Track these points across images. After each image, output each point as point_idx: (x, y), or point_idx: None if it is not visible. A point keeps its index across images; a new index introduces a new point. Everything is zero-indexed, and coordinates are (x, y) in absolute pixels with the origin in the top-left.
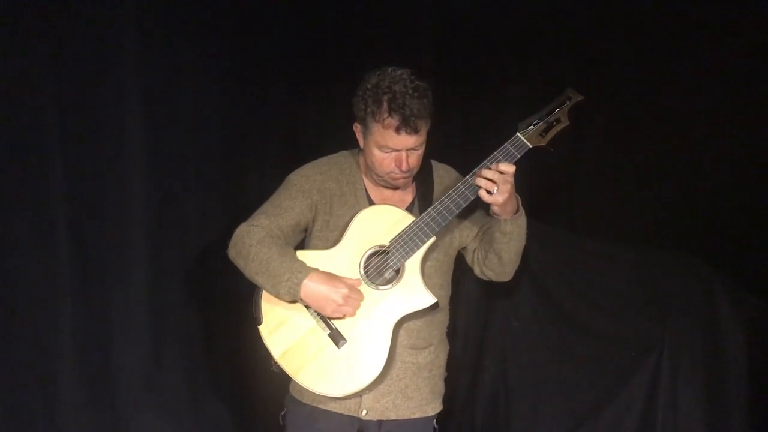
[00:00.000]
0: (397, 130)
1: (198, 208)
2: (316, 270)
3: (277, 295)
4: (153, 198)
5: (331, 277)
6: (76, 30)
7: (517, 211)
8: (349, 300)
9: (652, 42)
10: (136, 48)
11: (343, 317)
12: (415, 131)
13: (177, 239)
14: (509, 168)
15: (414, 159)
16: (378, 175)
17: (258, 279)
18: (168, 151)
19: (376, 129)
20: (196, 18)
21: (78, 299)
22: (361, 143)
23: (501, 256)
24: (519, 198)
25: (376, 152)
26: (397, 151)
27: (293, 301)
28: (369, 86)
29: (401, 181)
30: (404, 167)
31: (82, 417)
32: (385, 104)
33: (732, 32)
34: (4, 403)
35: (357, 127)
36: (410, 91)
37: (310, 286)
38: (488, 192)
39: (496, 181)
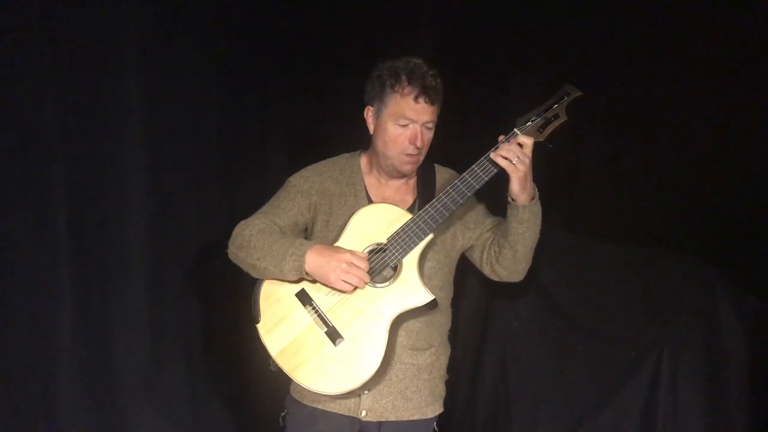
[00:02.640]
0: (416, 98)
1: (198, 208)
2: (318, 243)
3: (282, 273)
4: (153, 198)
5: (334, 247)
6: (76, 30)
7: (533, 198)
8: (352, 267)
9: (653, 39)
10: (136, 48)
11: (348, 291)
12: (432, 103)
13: (177, 239)
14: (528, 140)
15: (427, 137)
16: (389, 158)
17: (260, 264)
18: (168, 151)
19: (394, 100)
20: (196, 17)
21: (78, 299)
22: (372, 128)
23: (516, 250)
24: (535, 186)
25: (391, 128)
26: (414, 123)
27: (298, 281)
28: (386, 66)
29: (412, 162)
30: (419, 142)
31: (82, 417)
32: (404, 76)
33: (734, 30)
34: (4, 403)
35: (368, 111)
36: (426, 68)
37: (314, 257)
38: (509, 163)
39: (516, 155)
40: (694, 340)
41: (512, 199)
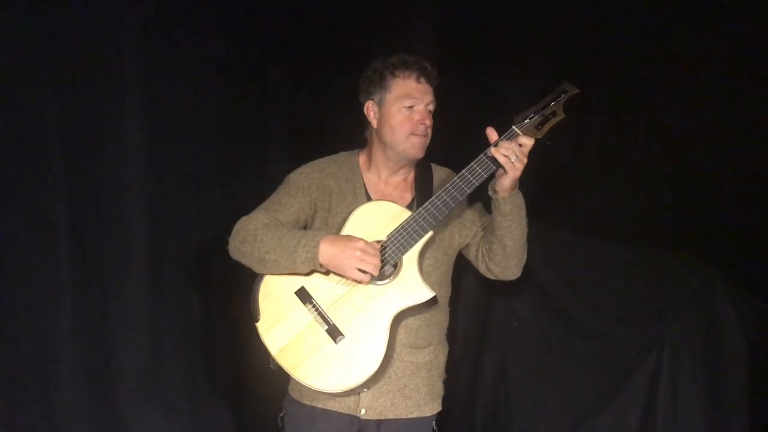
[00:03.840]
0: (417, 78)
1: (198, 208)
2: (329, 233)
3: (293, 266)
4: (153, 197)
5: (345, 236)
6: (76, 30)
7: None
8: (366, 254)
9: (653, 37)
10: (136, 47)
11: (363, 280)
12: (431, 85)
13: (177, 238)
14: (528, 141)
15: (431, 120)
16: (398, 144)
17: (270, 256)
18: (168, 150)
19: (396, 84)
20: (196, 16)
21: (78, 299)
22: (375, 122)
23: (505, 245)
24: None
25: (397, 113)
26: (418, 103)
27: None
28: (379, 61)
29: (421, 145)
30: (428, 121)
31: (82, 417)
32: (401, 64)
33: (735, 29)
34: (4, 403)
35: (369, 106)
36: (417, 57)
37: (328, 247)
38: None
39: (515, 154)
40: (694, 340)
41: (495, 191)
